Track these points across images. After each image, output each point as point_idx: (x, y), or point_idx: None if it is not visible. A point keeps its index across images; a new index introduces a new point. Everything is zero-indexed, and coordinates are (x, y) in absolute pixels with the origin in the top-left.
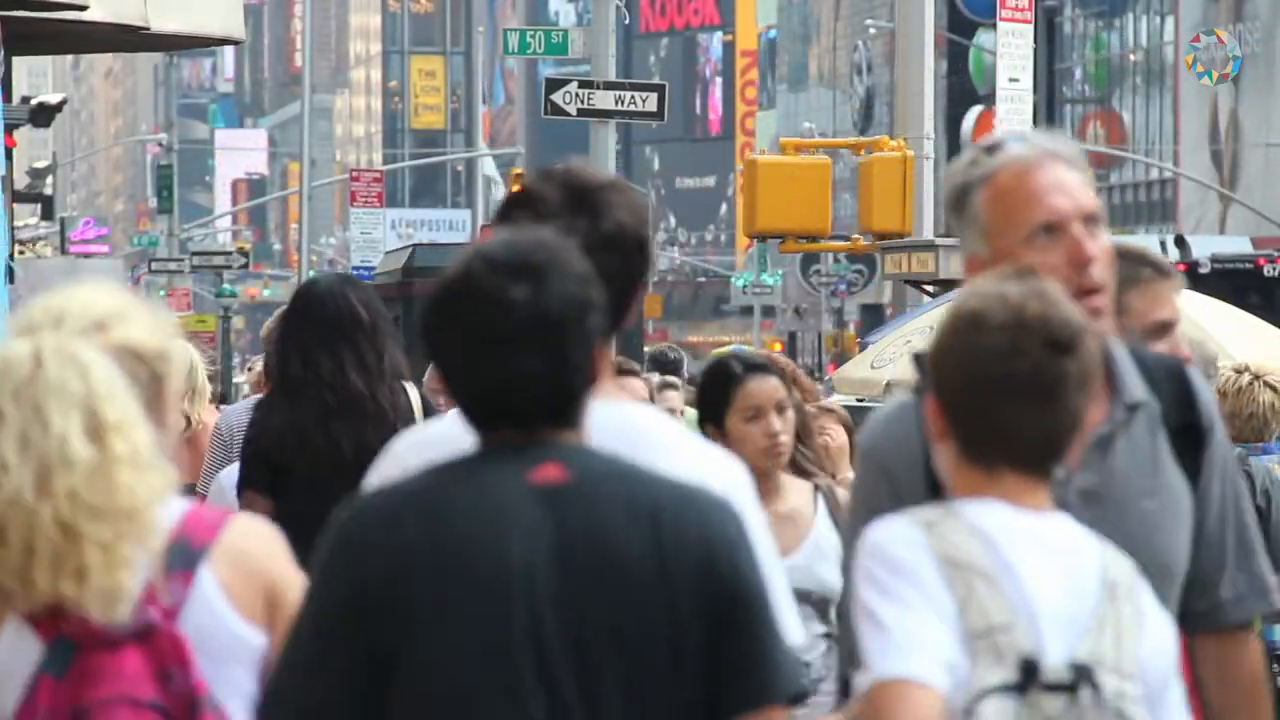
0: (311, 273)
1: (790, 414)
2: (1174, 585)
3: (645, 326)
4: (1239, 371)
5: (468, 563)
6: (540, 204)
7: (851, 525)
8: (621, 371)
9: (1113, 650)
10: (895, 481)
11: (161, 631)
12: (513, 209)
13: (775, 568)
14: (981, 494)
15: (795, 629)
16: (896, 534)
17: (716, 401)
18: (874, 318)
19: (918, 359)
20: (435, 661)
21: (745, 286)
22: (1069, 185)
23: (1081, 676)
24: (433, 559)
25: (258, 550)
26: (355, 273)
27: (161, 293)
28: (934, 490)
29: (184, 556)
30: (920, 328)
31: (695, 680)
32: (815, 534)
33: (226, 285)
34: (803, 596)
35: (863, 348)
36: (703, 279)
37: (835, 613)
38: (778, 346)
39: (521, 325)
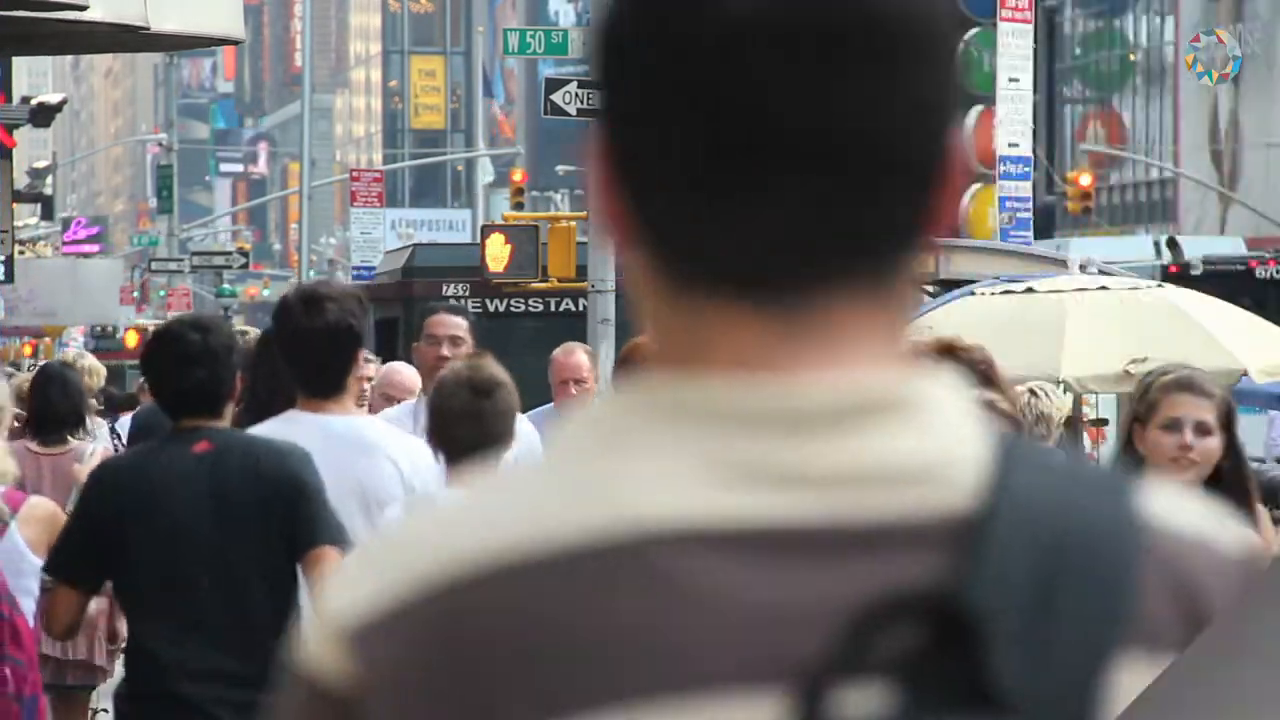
0: (312, 273)
1: None
2: None
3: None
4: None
5: (157, 500)
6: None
7: None
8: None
9: None
10: None
11: None
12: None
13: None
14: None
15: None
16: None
17: None
18: None
19: None
20: (138, 559)
21: None
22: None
23: None
24: (136, 501)
25: (43, 516)
26: (355, 273)
27: (161, 293)
28: None
29: (1, 518)
30: (920, 327)
31: (279, 550)
32: None
33: (226, 285)
34: None
35: None
36: None
37: None
38: None
39: (197, 354)
